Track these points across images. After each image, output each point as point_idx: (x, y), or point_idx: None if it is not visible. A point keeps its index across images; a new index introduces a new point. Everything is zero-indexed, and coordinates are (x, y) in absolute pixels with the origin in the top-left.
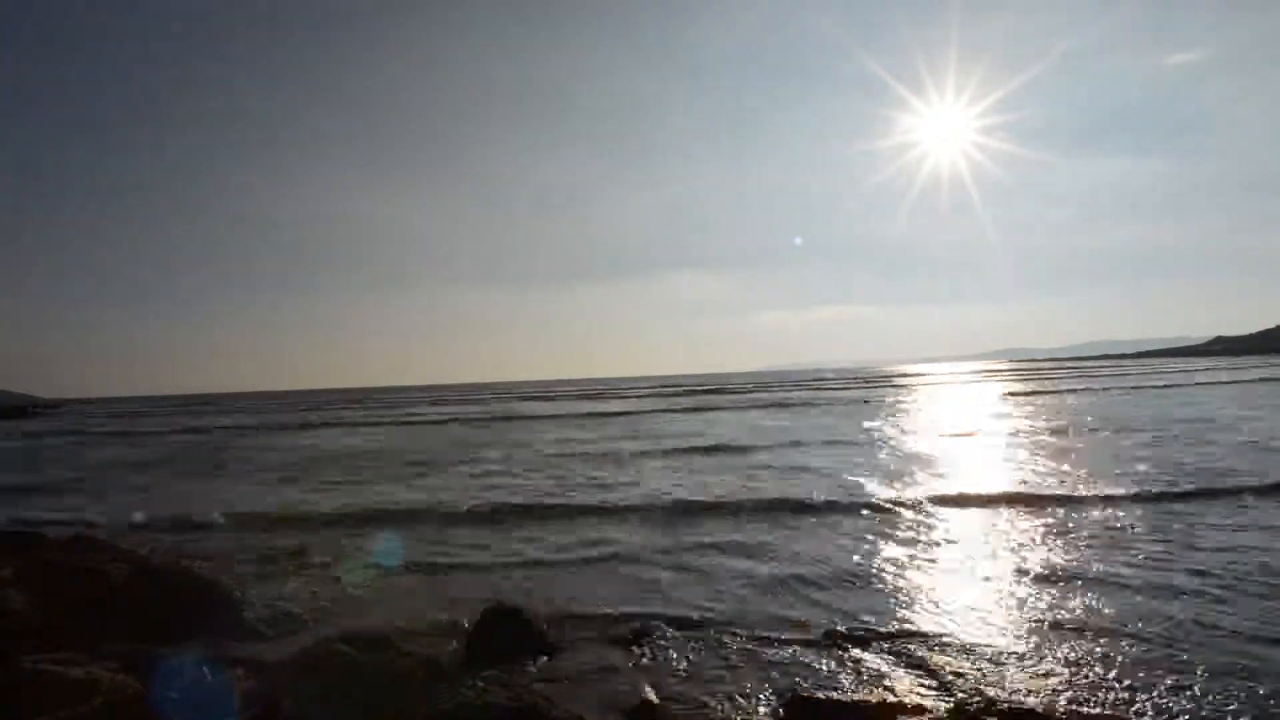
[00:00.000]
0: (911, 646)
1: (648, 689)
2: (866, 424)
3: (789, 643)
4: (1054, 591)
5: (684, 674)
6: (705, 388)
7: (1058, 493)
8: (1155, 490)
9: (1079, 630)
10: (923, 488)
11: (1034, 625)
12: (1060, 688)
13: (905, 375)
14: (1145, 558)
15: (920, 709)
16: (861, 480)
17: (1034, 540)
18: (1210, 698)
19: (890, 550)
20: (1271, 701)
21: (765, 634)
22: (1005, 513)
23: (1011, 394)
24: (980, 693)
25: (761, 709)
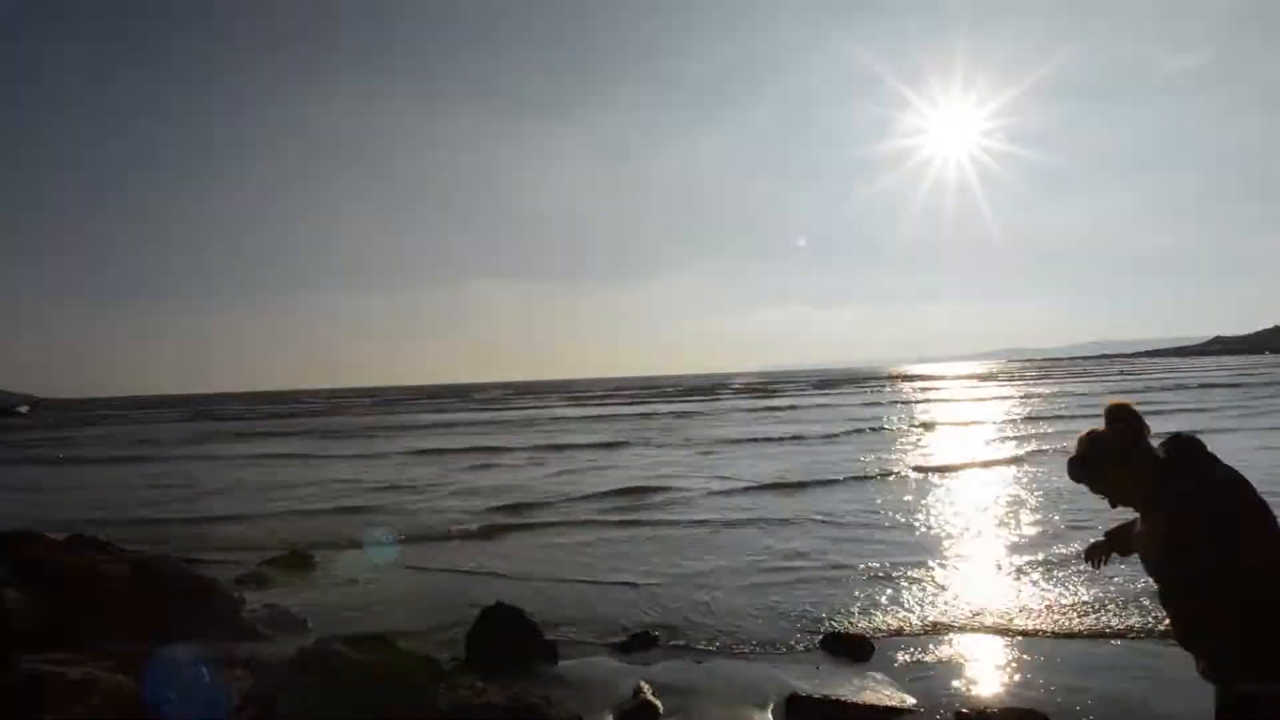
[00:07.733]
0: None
1: (647, 689)
2: None
3: None
4: None
5: (684, 673)
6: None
7: None
8: None
9: None
10: None
11: None
12: None
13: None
14: None
15: (918, 711)
16: None
17: None
18: None
19: None
20: None
21: None
22: None
23: None
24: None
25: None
